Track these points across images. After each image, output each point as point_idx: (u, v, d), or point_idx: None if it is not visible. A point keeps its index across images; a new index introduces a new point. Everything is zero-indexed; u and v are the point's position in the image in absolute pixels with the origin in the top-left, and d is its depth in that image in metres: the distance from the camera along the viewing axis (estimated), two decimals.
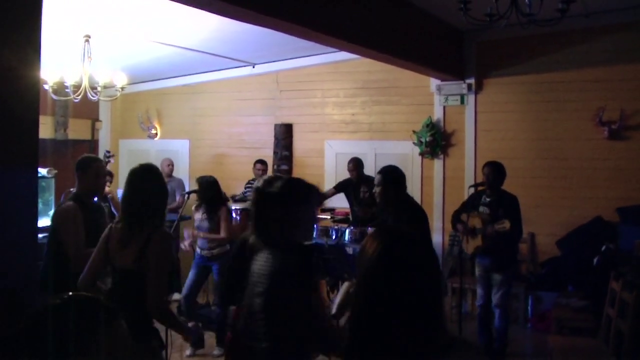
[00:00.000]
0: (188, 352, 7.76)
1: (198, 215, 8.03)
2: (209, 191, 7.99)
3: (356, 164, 9.68)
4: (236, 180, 10.87)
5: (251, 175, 10.73)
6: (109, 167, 9.18)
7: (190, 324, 4.55)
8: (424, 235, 6.36)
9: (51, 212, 9.40)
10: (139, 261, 4.10)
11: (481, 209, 7.50)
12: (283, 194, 3.53)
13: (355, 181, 9.58)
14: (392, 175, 6.58)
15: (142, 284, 4.08)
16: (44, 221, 8.61)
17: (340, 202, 10.11)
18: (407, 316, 2.00)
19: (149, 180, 4.32)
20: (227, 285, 4.27)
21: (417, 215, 6.55)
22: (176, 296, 9.12)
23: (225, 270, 7.97)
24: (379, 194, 6.54)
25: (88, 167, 5.51)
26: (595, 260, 8.29)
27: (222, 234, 7.93)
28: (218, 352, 7.83)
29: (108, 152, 10.32)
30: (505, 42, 9.78)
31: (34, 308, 2.00)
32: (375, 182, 6.62)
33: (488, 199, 7.51)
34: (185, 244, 8.23)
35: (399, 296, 2.01)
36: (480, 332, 7.64)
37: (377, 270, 2.06)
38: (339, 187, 9.85)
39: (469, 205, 7.60)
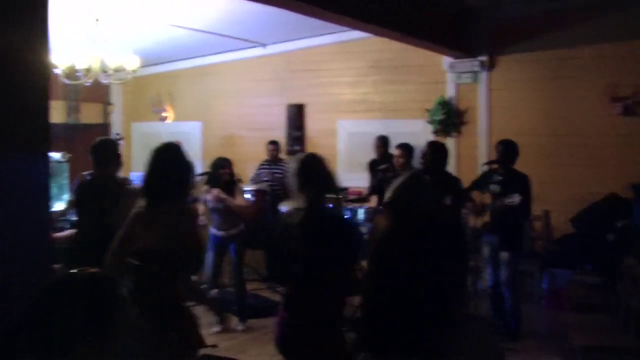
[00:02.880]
0: (215, 329, 7.77)
1: (209, 196, 8.02)
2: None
3: (383, 141, 9.70)
4: (248, 162, 10.85)
5: (264, 157, 10.74)
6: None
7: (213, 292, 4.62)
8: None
9: (65, 196, 9.49)
10: (164, 241, 4.11)
11: (492, 187, 7.50)
12: None
13: (380, 159, 9.56)
14: (442, 148, 7.40)
15: (167, 265, 4.12)
16: (59, 205, 8.67)
17: (354, 182, 10.10)
18: (417, 291, 1.99)
19: (165, 158, 4.28)
20: None
21: (458, 187, 7.27)
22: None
23: (242, 249, 8.07)
24: (423, 163, 7.16)
25: (96, 150, 5.61)
26: (609, 237, 8.26)
27: (242, 203, 7.95)
28: (243, 327, 7.90)
29: (117, 134, 10.32)
30: (518, 19, 9.70)
31: (39, 284, 2.01)
32: (424, 150, 7.28)
33: (499, 177, 7.51)
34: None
35: (410, 271, 2.00)
36: (493, 312, 7.64)
37: (389, 245, 2.05)
38: (371, 172, 9.84)
39: (480, 184, 7.62)
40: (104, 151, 5.59)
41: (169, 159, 4.28)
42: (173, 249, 4.11)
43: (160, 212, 4.15)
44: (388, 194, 5.28)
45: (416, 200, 5.40)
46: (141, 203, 4.23)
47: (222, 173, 7.90)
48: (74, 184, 8.17)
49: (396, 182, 5.38)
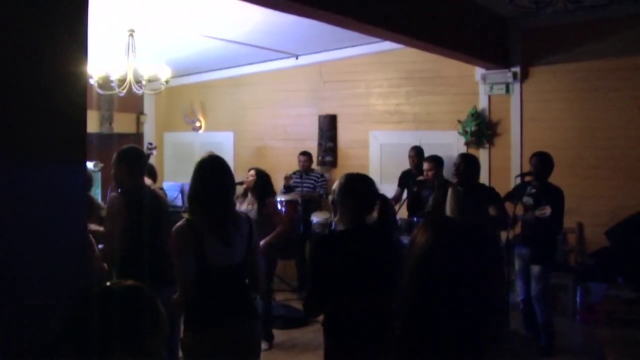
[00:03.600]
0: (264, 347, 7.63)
1: (244, 207, 7.94)
2: (264, 182, 7.97)
3: (417, 152, 9.65)
4: (280, 172, 10.86)
5: (295, 167, 10.74)
6: (151, 160, 8.84)
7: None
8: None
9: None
10: (248, 253, 4.23)
11: (525, 199, 7.45)
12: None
13: (415, 171, 9.51)
14: (475, 160, 7.50)
15: (244, 276, 4.27)
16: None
17: (386, 193, 10.08)
18: (457, 308, 1.97)
19: (226, 172, 4.32)
20: None
21: (497, 194, 7.30)
22: None
23: (271, 263, 7.99)
24: (457, 175, 7.18)
25: (120, 158, 5.54)
26: None
27: (279, 226, 7.89)
28: (265, 347, 7.71)
29: (150, 144, 10.39)
30: (551, 30, 9.63)
31: (77, 297, 2.02)
32: (456, 162, 7.31)
33: (533, 190, 7.46)
34: None
35: (450, 288, 1.98)
36: (525, 327, 7.56)
37: (428, 260, 2.03)
38: (401, 184, 9.80)
39: (513, 196, 7.57)
40: (138, 159, 5.55)
41: (226, 174, 4.30)
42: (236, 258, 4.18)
43: (236, 226, 4.19)
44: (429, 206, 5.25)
45: (457, 214, 5.32)
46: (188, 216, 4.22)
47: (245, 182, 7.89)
48: (109, 193, 8.18)
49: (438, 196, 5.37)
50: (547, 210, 6.96)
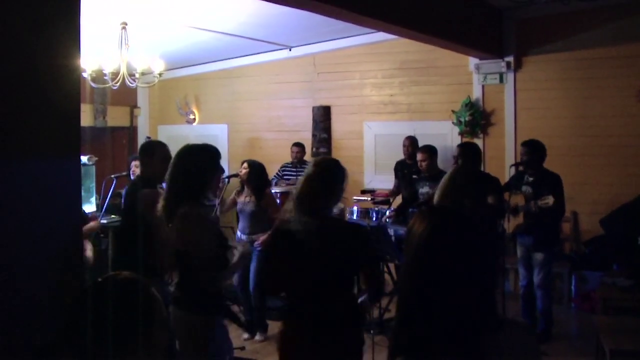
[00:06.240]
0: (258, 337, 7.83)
1: (241, 199, 7.89)
2: (258, 173, 7.91)
3: (412, 142, 9.61)
4: (275, 164, 10.86)
5: (290, 159, 10.72)
6: None
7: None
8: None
9: (93, 199, 9.53)
10: (180, 240, 4.17)
11: (524, 188, 7.45)
12: None
13: (410, 161, 9.50)
14: (473, 149, 7.41)
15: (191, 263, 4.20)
16: (86, 208, 8.73)
17: (381, 184, 10.12)
18: (456, 296, 1.97)
19: (186, 159, 4.31)
20: None
21: (499, 185, 7.22)
22: None
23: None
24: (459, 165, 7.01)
25: (154, 152, 5.55)
26: None
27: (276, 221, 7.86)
28: (260, 337, 7.79)
29: (148, 137, 10.35)
30: (544, 19, 9.62)
31: (77, 288, 2.02)
32: (455, 153, 7.32)
33: (530, 179, 7.47)
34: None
35: (449, 276, 1.98)
36: (524, 313, 7.60)
37: (427, 249, 2.03)
38: (397, 175, 9.80)
39: (512, 186, 7.55)
40: (166, 153, 5.56)
41: (186, 161, 4.29)
42: (191, 249, 4.16)
43: (178, 213, 4.18)
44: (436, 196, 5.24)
45: (456, 203, 5.33)
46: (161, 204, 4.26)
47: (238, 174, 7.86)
48: (124, 190, 8.14)
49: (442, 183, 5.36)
50: (550, 200, 6.95)
